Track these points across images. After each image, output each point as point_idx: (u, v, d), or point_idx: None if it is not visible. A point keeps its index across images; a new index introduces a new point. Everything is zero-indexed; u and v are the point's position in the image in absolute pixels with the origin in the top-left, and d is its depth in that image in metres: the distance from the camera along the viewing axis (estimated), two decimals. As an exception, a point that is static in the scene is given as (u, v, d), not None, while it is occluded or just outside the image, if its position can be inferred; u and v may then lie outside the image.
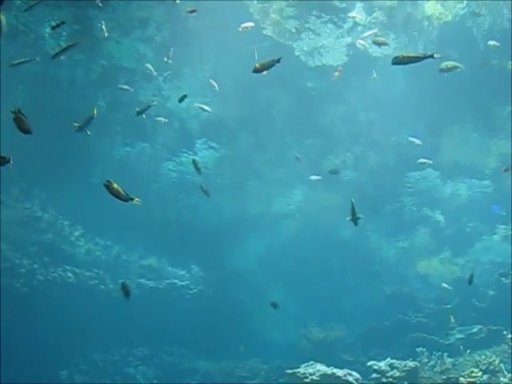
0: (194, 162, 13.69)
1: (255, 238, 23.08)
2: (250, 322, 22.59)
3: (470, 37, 14.13)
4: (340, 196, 19.83)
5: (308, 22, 14.16)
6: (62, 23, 12.28)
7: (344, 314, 21.33)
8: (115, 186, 6.66)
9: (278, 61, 8.31)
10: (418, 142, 14.40)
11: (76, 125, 10.15)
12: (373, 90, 16.02)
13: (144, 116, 12.72)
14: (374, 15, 13.83)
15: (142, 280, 22.15)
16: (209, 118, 16.86)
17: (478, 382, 11.79)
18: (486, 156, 18.98)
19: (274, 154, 19.26)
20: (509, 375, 12.10)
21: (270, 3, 13.67)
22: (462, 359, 14.03)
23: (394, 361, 13.23)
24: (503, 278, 20.35)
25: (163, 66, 14.12)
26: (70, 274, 19.96)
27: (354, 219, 8.93)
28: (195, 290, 23.27)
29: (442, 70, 10.67)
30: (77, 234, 21.41)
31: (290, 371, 12.73)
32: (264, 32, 14.23)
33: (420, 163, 14.91)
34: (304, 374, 12.42)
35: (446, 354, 13.48)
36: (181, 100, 12.90)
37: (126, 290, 9.58)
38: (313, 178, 15.90)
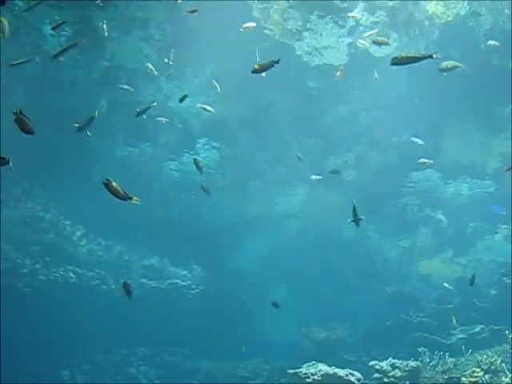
0: (196, 162, 13.67)
1: (257, 238, 23.08)
2: (251, 322, 22.62)
3: (472, 37, 14.12)
4: (342, 196, 19.83)
5: (309, 22, 14.16)
6: (63, 23, 12.30)
7: (346, 314, 21.32)
8: (114, 184, 6.70)
9: (277, 62, 8.33)
10: (420, 142, 14.38)
11: (76, 125, 10.17)
12: (375, 89, 16.02)
13: (144, 116, 12.71)
14: (376, 15, 13.82)
15: (143, 280, 22.19)
16: (210, 118, 16.84)
17: (479, 381, 11.78)
18: (488, 156, 18.96)
19: (275, 153, 19.26)
20: (510, 375, 12.08)
21: (271, 3, 13.67)
22: (463, 359, 14.01)
23: (395, 361, 13.24)
24: (504, 278, 20.33)
25: (165, 66, 14.12)
26: (71, 274, 19.99)
27: (356, 220, 8.93)
28: (197, 290, 23.29)
29: (442, 70, 10.66)
30: (78, 234, 21.45)
31: (292, 371, 12.72)
32: (265, 32, 14.23)
33: (421, 163, 14.89)
34: (306, 373, 12.42)
35: (447, 353, 13.43)
36: (181, 100, 12.92)
37: (127, 289, 9.61)
38: (314, 177, 15.89)
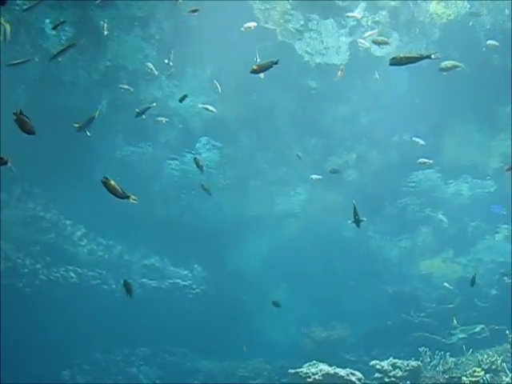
0: (196, 160, 13.57)
1: (258, 237, 23.07)
2: (252, 322, 22.61)
3: (473, 36, 14.12)
4: (342, 196, 19.84)
5: (310, 22, 14.15)
6: (62, 22, 12.30)
7: (346, 314, 21.32)
8: (112, 182, 6.72)
9: (276, 62, 8.35)
10: (421, 142, 14.37)
11: (76, 125, 10.17)
12: (375, 89, 16.02)
13: (144, 117, 12.71)
14: (377, 15, 13.81)
15: (144, 280, 22.20)
16: (211, 118, 16.84)
17: (480, 381, 11.77)
18: (489, 156, 18.96)
19: (276, 153, 19.26)
20: (511, 375, 12.08)
21: (272, 3, 13.66)
22: (464, 359, 13.97)
23: (396, 360, 13.24)
24: (505, 278, 20.32)
25: (165, 66, 14.12)
26: (72, 274, 20.01)
27: (356, 221, 8.94)
28: (198, 290, 23.30)
29: (442, 69, 10.66)
30: (79, 233, 21.46)
31: (293, 371, 12.72)
32: (266, 31, 14.22)
33: (420, 163, 14.88)
34: (306, 373, 12.41)
35: (448, 353, 13.43)
36: (181, 100, 12.91)
37: (128, 288, 9.61)
38: (314, 177, 15.88)
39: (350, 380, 12.35)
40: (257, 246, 23.31)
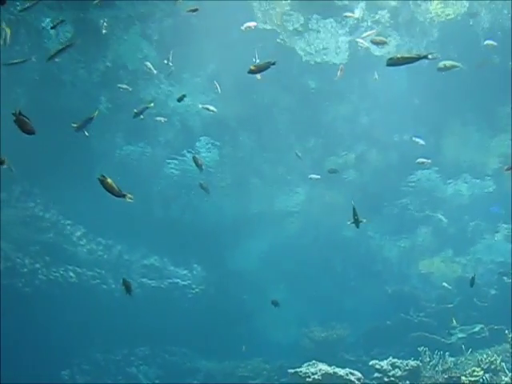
0: (195, 159, 13.54)
1: (257, 237, 23.09)
2: (252, 322, 22.62)
3: (472, 36, 14.11)
4: (342, 195, 19.85)
5: (310, 21, 14.15)
6: (61, 22, 12.29)
7: (346, 314, 21.33)
8: (109, 180, 6.76)
9: (274, 63, 8.40)
10: (421, 142, 14.37)
11: (74, 125, 10.18)
12: (375, 89, 16.02)
13: (142, 117, 12.70)
14: (377, 14, 13.81)
15: (144, 279, 22.20)
16: (211, 117, 16.85)
17: (479, 381, 11.78)
18: (488, 156, 18.98)
19: (275, 153, 19.26)
20: (510, 374, 12.07)
21: (272, 3, 13.66)
22: (463, 358, 13.99)
23: (395, 360, 13.21)
24: (504, 278, 20.33)
25: (165, 65, 14.11)
26: (71, 274, 20.01)
27: (356, 222, 8.96)
28: (197, 290, 23.31)
29: (440, 69, 10.66)
30: (78, 233, 21.46)
31: (292, 371, 12.70)
32: (266, 31, 14.22)
33: (419, 163, 14.87)
34: (306, 373, 12.40)
35: (447, 353, 13.43)
36: (180, 100, 12.90)
37: (127, 286, 9.60)
38: (312, 176, 15.86)
39: (349, 380, 12.34)
40: (256, 246, 23.32)
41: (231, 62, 14.81)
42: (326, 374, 12.29)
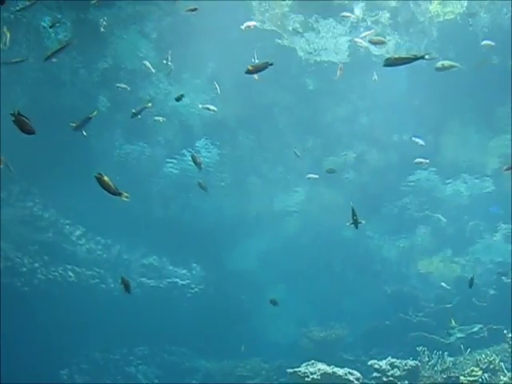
0: (193, 157, 13.51)
1: (256, 237, 23.09)
2: (250, 322, 22.61)
3: (472, 36, 14.11)
4: (341, 195, 19.85)
5: (310, 21, 14.14)
6: (60, 21, 12.29)
7: (345, 314, 21.33)
8: (106, 178, 6.79)
9: (271, 64, 8.49)
10: (421, 142, 14.35)
11: (73, 125, 10.18)
12: (375, 89, 16.00)
13: (139, 117, 12.70)
14: (377, 14, 13.80)
15: (143, 279, 22.20)
16: (210, 117, 16.84)
17: (478, 380, 11.79)
18: (487, 156, 18.99)
19: (275, 152, 19.26)
20: (509, 374, 12.08)
21: (272, 3, 13.65)
22: (462, 358, 13.97)
23: (394, 360, 13.23)
24: (503, 277, 20.34)
25: (165, 65, 14.12)
26: (70, 273, 20.00)
27: (355, 222, 8.98)
28: (196, 289, 23.30)
29: (438, 69, 10.66)
30: (78, 232, 21.45)
31: (291, 370, 12.72)
32: (266, 31, 14.21)
33: (417, 163, 14.86)
34: (305, 373, 12.41)
35: (446, 353, 13.45)
36: (178, 99, 12.90)
37: (126, 285, 9.59)
38: (310, 176, 15.84)
39: (348, 379, 12.36)
40: (255, 246, 23.32)
41: (231, 61, 14.79)
42: (324, 374, 12.31)
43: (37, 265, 19.16)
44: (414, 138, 14.63)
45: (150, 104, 13.23)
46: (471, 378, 11.82)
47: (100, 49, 14.86)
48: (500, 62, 14.37)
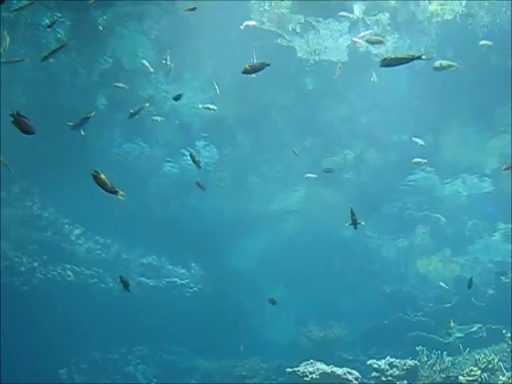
0: (192, 156, 13.45)
1: (256, 236, 23.08)
2: (249, 321, 22.60)
3: (472, 36, 14.10)
4: (340, 195, 19.85)
5: (310, 21, 14.14)
6: (58, 20, 12.28)
7: (344, 313, 21.33)
8: (102, 176, 6.77)
9: (268, 64, 8.55)
10: (421, 142, 14.33)
11: (71, 124, 10.17)
12: (374, 88, 15.98)
13: (137, 117, 12.69)
14: (378, 14, 13.80)
15: (142, 278, 22.19)
16: (210, 116, 16.83)
17: (477, 380, 11.80)
18: (487, 156, 18.99)
19: (274, 152, 19.26)
20: (508, 374, 12.08)
21: (272, 2, 13.65)
22: (461, 358, 13.98)
23: (393, 359, 13.23)
24: (502, 277, 20.35)
25: (164, 65, 14.11)
26: (69, 273, 19.99)
27: (354, 223, 9.00)
28: (195, 289, 23.29)
29: (436, 69, 10.65)
30: (77, 232, 21.44)
31: (290, 370, 12.73)
32: (265, 30, 14.21)
33: (415, 163, 14.84)
34: (304, 372, 12.42)
35: (445, 352, 13.45)
36: (176, 99, 12.88)
37: (124, 283, 9.57)
38: (309, 175, 15.83)
39: (347, 379, 12.37)
40: (254, 245, 23.32)
41: (230, 61, 14.78)
42: (323, 374, 12.32)
43: (36, 264, 19.16)
44: (413, 138, 14.61)
45: (147, 104, 13.21)
46: (470, 378, 11.82)
47: (99, 48, 14.86)
48: (499, 61, 14.37)
